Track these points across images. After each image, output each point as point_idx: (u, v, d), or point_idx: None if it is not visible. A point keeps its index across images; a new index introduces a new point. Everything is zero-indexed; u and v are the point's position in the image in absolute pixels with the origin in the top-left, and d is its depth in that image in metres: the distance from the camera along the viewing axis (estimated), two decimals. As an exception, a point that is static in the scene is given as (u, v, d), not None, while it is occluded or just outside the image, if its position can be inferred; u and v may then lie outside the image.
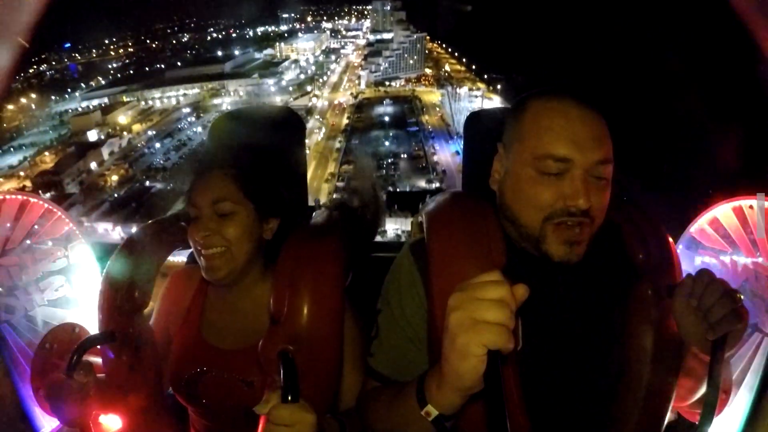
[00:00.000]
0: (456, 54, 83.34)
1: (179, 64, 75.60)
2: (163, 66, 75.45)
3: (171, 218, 1.43)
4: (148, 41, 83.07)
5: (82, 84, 67.10)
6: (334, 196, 51.33)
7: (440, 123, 68.01)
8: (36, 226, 1.50)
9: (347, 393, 1.27)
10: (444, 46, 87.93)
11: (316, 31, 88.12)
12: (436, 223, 1.16)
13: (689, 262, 1.49)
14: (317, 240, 1.27)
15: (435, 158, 59.81)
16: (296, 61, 79.11)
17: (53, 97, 61.71)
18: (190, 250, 1.50)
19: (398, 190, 50.68)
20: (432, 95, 75.07)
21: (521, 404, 1.03)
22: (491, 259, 1.07)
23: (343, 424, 1.17)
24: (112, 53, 77.34)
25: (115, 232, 41.04)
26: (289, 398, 0.95)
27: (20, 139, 54.42)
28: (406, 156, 59.79)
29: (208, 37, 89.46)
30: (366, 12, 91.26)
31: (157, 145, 59.14)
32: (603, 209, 1.04)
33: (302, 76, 77.02)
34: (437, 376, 0.87)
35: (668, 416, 1.13)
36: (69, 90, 64.57)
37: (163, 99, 68.98)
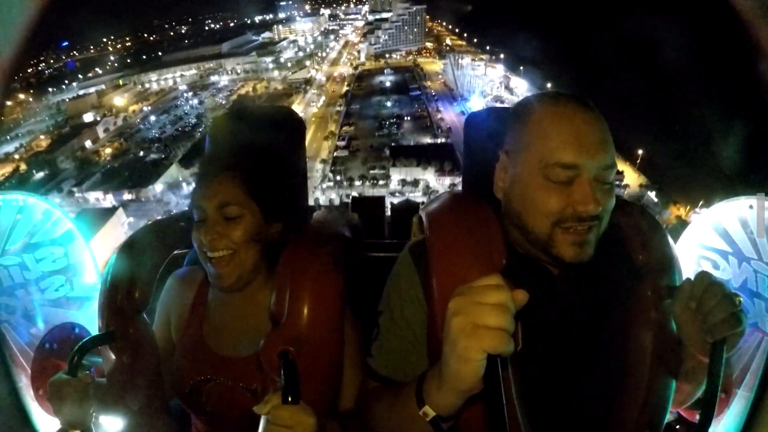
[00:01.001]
0: (457, 31, 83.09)
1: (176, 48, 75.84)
2: (159, 53, 75.65)
3: (171, 219, 1.43)
4: (145, 35, 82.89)
5: (80, 76, 67.55)
6: (335, 154, 50.45)
7: (443, 88, 68.32)
8: (36, 226, 1.50)
9: (347, 393, 1.28)
10: (444, 24, 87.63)
11: (314, 17, 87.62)
12: (436, 224, 1.17)
13: (689, 261, 1.49)
14: (317, 242, 1.27)
15: (439, 117, 59.86)
16: (294, 41, 79.36)
17: (51, 89, 61.74)
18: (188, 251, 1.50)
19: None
20: (434, 65, 75.38)
21: (521, 406, 1.03)
22: (491, 260, 1.08)
23: (345, 428, 1.18)
24: (110, 48, 77.21)
25: (106, 201, 41.15)
26: (290, 399, 0.95)
27: (17, 129, 54.60)
28: (409, 118, 59.93)
29: (206, 28, 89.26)
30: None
31: (152, 118, 59.80)
32: (609, 211, 1.06)
33: (301, 54, 77.56)
34: (436, 378, 0.87)
35: (668, 416, 1.13)
36: (66, 82, 64.89)
37: (160, 81, 69.77)
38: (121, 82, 66.66)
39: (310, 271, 1.22)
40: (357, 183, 48.88)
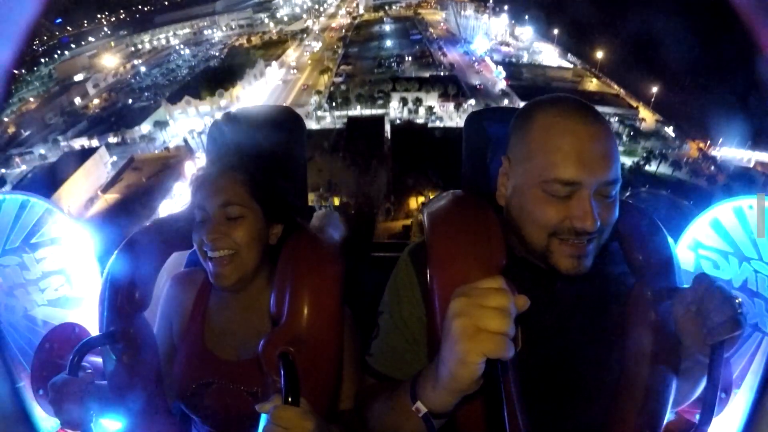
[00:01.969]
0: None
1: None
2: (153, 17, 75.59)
3: (171, 219, 1.43)
4: (140, 6, 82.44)
5: (72, 46, 67.31)
6: (332, 89, 50.37)
7: (446, 34, 68.01)
8: (36, 226, 1.50)
9: (346, 392, 1.29)
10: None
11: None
12: (437, 224, 1.18)
13: (689, 262, 1.50)
14: (317, 242, 1.29)
15: (440, 54, 59.73)
16: (291, -3, 78.71)
17: (43, 60, 61.63)
18: (188, 252, 1.50)
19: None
20: (435, 15, 74.88)
21: (520, 406, 1.04)
22: (491, 261, 1.09)
23: (345, 428, 1.18)
24: (105, 23, 76.96)
25: (94, 144, 41.00)
26: (290, 399, 0.95)
27: (9, 99, 55.02)
28: (410, 57, 59.66)
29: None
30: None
31: (143, 69, 60.19)
32: (611, 224, 1.06)
33: (297, 10, 77.38)
34: (432, 376, 0.89)
35: (667, 416, 1.13)
36: (59, 52, 64.77)
37: (153, 41, 70.07)
38: (113, 44, 66.77)
39: (309, 271, 1.23)
40: (354, 112, 48.59)
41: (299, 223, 1.35)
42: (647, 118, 43.41)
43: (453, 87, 49.12)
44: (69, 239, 1.58)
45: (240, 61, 61.04)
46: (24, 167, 40.12)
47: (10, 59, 0.96)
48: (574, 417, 1.13)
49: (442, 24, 71.35)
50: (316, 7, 79.47)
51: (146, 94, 54.31)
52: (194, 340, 1.36)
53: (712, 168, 36.89)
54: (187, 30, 72.88)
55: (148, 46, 70.03)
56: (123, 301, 1.31)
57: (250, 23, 73.40)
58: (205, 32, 72.08)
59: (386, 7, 77.12)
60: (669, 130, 41.20)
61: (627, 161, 38.57)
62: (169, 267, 1.43)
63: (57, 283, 1.55)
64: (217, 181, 1.26)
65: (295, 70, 61.54)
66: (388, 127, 43.58)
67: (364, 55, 61.87)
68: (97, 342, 1.28)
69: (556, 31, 59.27)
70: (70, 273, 1.58)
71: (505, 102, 49.34)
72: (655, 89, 43.13)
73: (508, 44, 63.81)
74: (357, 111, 48.73)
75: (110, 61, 61.57)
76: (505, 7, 67.09)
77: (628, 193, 33.53)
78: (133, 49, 68.23)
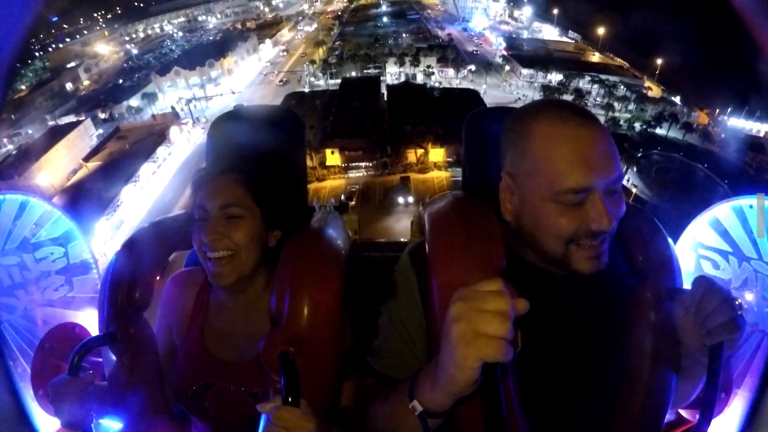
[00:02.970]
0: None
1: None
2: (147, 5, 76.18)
3: (171, 219, 1.43)
4: (134, 2, 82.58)
5: (67, 39, 67.27)
6: (328, 59, 50.59)
7: (444, 15, 68.69)
8: (36, 226, 1.51)
9: (346, 392, 1.30)
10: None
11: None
12: (437, 225, 1.18)
13: (689, 261, 1.50)
14: (316, 242, 1.29)
15: (437, 29, 60.27)
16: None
17: (37, 55, 61.69)
18: (188, 252, 1.50)
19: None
20: None
21: (520, 407, 1.05)
22: (491, 262, 1.08)
23: (345, 429, 1.18)
24: (101, 19, 77.10)
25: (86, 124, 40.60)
26: (290, 399, 0.95)
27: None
28: (407, 34, 59.87)
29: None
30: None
31: (135, 52, 60.21)
32: (620, 217, 1.05)
33: None
34: (430, 377, 0.90)
35: (667, 416, 1.13)
36: (53, 46, 64.71)
37: (147, 30, 70.67)
38: (106, 33, 67.00)
39: (309, 271, 1.23)
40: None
41: (299, 225, 1.35)
42: (653, 88, 43.54)
43: (452, 51, 49.00)
44: (69, 239, 1.59)
45: (233, 38, 61.27)
46: (11, 147, 39.71)
47: (9, 59, 0.97)
48: (574, 417, 1.14)
49: (439, 6, 72.02)
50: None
51: (137, 75, 54.19)
52: (194, 342, 1.36)
53: (723, 136, 36.92)
54: (182, 18, 73.38)
55: (142, 34, 70.54)
56: (123, 301, 1.31)
57: (245, 9, 73.87)
58: (200, 18, 72.79)
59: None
60: (676, 99, 41.38)
61: (636, 125, 38.74)
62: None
63: (57, 283, 1.56)
64: (218, 181, 1.27)
65: (285, 53, 61.98)
66: (384, 91, 43.44)
67: (361, 33, 62.05)
68: (97, 342, 1.29)
69: (555, 11, 59.54)
70: (70, 273, 1.59)
71: (506, 68, 49.41)
72: (659, 61, 43.13)
73: (507, 23, 64.14)
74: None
75: (103, 48, 61.60)
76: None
77: (640, 154, 33.61)
78: (127, 38, 68.57)
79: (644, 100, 41.53)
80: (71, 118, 43.27)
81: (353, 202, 31.14)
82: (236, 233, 1.23)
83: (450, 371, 0.82)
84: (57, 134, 38.45)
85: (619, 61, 49.64)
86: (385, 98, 41.91)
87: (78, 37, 67.75)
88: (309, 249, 1.28)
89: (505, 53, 51.97)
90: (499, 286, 0.81)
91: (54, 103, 47.36)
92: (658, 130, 38.63)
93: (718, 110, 37.69)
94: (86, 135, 39.68)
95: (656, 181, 31.34)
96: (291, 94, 45.12)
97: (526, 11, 64.32)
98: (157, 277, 1.41)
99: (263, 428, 0.97)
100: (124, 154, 37.59)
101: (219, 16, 73.18)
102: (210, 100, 48.84)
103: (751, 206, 1.38)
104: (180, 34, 69.06)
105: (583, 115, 1.03)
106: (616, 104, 41.22)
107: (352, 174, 35.30)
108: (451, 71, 47.08)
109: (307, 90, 48.15)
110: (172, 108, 44.98)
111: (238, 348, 1.32)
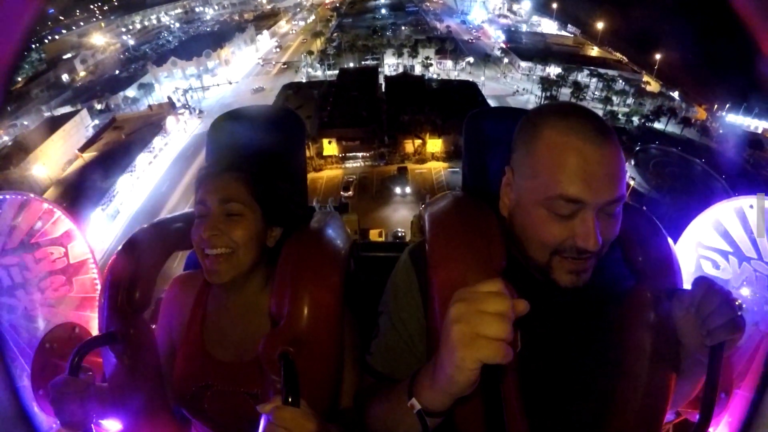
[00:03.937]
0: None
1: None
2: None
3: (171, 219, 1.43)
4: None
5: (63, 31, 67.20)
6: (326, 49, 50.83)
7: (443, 8, 69.04)
8: (36, 226, 1.51)
9: (346, 392, 1.31)
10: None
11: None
12: (436, 225, 1.19)
13: (689, 261, 1.51)
14: (316, 242, 1.29)
15: (436, 22, 60.90)
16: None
17: (34, 47, 61.44)
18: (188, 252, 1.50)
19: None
20: None
21: (520, 408, 1.05)
22: (491, 262, 1.10)
23: (345, 429, 1.19)
24: (97, 11, 76.80)
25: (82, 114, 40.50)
26: (290, 400, 0.96)
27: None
28: (406, 26, 60.24)
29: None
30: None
31: (132, 43, 60.27)
32: (611, 240, 1.05)
33: None
34: (429, 376, 0.90)
35: (667, 416, 1.14)
36: (50, 38, 64.65)
37: (144, 21, 70.95)
38: (103, 25, 67.05)
39: (309, 271, 1.24)
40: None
41: (299, 225, 1.35)
42: (652, 83, 43.92)
43: (450, 43, 49.20)
44: (69, 239, 1.59)
45: (230, 29, 61.42)
46: (6, 138, 39.50)
47: (9, 59, 0.96)
48: (574, 417, 1.14)
49: (440, 1, 72.26)
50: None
51: (134, 65, 54.29)
52: (193, 343, 1.37)
53: (721, 131, 37.25)
54: (179, 10, 73.70)
55: (138, 26, 70.72)
56: (123, 301, 1.31)
57: (243, 1, 74.12)
58: (197, 10, 73.13)
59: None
60: (674, 95, 41.74)
61: (635, 119, 39.04)
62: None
63: (57, 283, 1.56)
64: (219, 178, 1.27)
65: (283, 45, 62.17)
66: (382, 82, 43.69)
67: (359, 25, 62.41)
68: (97, 342, 1.29)
69: (555, 5, 59.75)
70: (70, 273, 1.58)
71: (505, 61, 49.59)
72: (658, 56, 43.51)
73: (506, 16, 64.45)
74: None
75: (100, 39, 61.54)
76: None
77: (638, 148, 33.78)
78: (123, 29, 68.67)
79: (643, 95, 41.75)
80: (67, 109, 43.18)
81: (351, 192, 31.23)
82: (235, 231, 1.23)
83: (449, 372, 0.82)
84: (53, 125, 38.36)
85: (617, 55, 49.92)
86: (383, 89, 41.96)
87: (74, 28, 67.56)
88: (309, 249, 1.28)
89: (503, 46, 52.19)
90: (499, 287, 0.81)
91: (50, 94, 47.33)
92: (657, 125, 38.73)
93: (716, 106, 37.95)
94: (82, 126, 39.66)
95: (654, 174, 31.42)
96: (288, 85, 45.29)
97: (525, 5, 64.78)
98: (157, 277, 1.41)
99: (263, 429, 0.97)
100: (120, 145, 37.62)
101: (216, 7, 73.54)
102: (207, 90, 48.88)
103: (751, 206, 1.38)
104: (177, 25, 69.58)
105: (598, 130, 1.00)
106: (614, 98, 41.39)
107: (350, 164, 35.34)
108: (449, 63, 47.28)
109: (304, 80, 48.27)
110: (169, 98, 44.93)
111: (237, 349, 1.33)
